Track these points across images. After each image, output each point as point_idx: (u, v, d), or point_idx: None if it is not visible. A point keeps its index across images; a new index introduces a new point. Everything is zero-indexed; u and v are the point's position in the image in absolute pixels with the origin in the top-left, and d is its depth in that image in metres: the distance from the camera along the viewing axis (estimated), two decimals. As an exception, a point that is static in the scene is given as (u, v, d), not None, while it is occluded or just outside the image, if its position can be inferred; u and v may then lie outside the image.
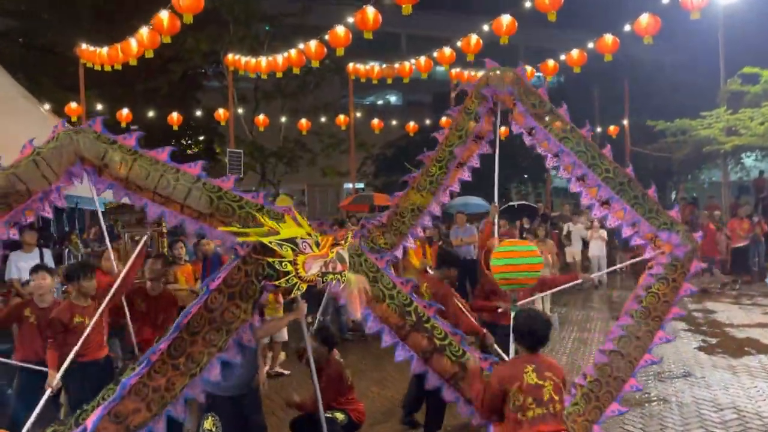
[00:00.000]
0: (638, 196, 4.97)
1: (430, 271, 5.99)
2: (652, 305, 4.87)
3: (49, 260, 7.23)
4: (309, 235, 3.95)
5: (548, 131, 5.13)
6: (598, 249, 13.88)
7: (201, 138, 24.99)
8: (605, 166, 5.03)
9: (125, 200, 4.28)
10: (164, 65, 21.28)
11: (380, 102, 41.46)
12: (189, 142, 25.20)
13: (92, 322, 4.58)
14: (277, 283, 3.89)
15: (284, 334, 8.04)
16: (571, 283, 6.15)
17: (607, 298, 12.99)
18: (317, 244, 3.95)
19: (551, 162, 5.22)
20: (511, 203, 19.33)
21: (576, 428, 4.61)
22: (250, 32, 21.13)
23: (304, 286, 3.93)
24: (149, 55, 9.52)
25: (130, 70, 20.17)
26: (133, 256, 4.93)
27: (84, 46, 12.42)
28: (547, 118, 5.13)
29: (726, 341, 9.02)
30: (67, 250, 10.47)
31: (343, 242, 4.09)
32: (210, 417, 4.15)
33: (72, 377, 4.49)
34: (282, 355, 8.37)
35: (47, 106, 13.71)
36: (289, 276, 3.87)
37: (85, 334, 4.50)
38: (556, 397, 3.55)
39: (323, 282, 3.99)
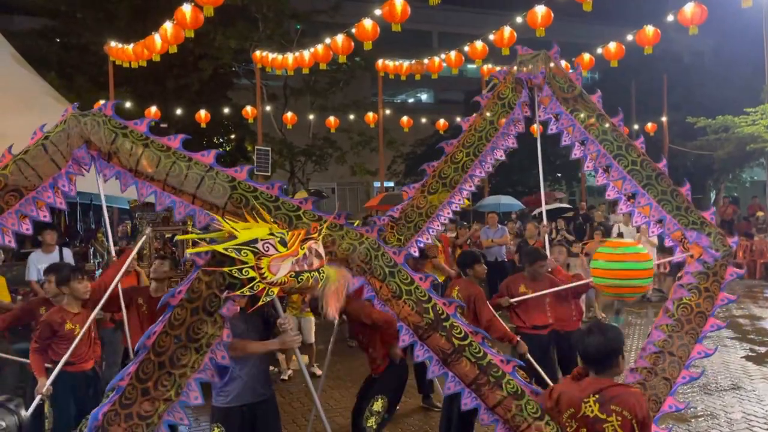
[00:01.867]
0: (666, 191, 4.60)
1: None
2: (684, 317, 4.50)
3: (69, 260, 7.08)
4: (272, 234, 3.59)
5: (574, 117, 4.80)
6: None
7: (232, 136, 25.01)
8: (632, 157, 4.68)
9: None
10: (195, 63, 21.33)
11: (411, 100, 41.16)
12: (221, 140, 25.27)
13: (82, 331, 4.41)
14: (241, 292, 3.54)
15: (311, 335, 7.86)
16: (580, 283, 5.79)
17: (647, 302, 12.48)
18: (283, 243, 3.59)
19: (578, 152, 4.87)
20: (545, 207, 18.80)
21: None
22: (279, 30, 20.97)
23: (276, 290, 3.58)
24: (173, 50, 9.38)
25: (161, 67, 20.51)
26: (129, 258, 4.70)
27: (113, 43, 12.36)
28: (574, 103, 4.80)
29: (775, 351, 8.49)
30: (92, 248, 10.40)
31: (316, 235, 3.74)
32: (216, 428, 3.88)
33: (59, 387, 4.28)
34: (305, 358, 8.18)
35: (76, 104, 13.70)
36: (255, 282, 3.51)
37: (75, 342, 4.31)
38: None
39: (298, 283, 3.62)
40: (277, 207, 3.95)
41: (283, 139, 21.80)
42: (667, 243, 4.76)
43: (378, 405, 4.79)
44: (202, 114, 15.95)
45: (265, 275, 3.51)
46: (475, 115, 5.09)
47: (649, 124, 20.63)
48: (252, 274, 3.49)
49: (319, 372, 7.87)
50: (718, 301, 4.55)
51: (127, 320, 5.01)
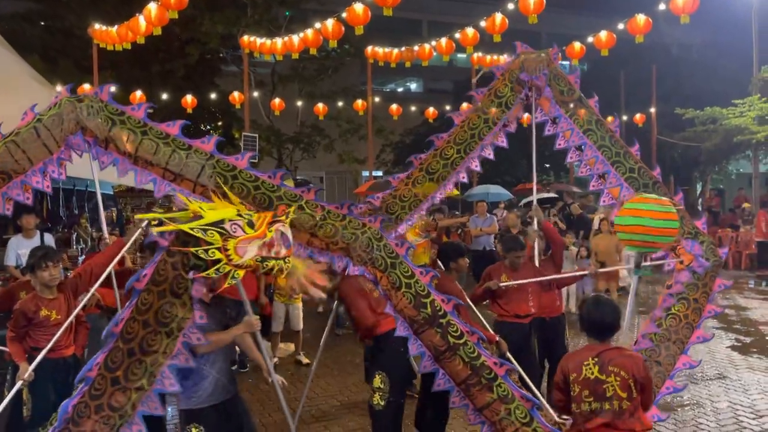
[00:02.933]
0: None
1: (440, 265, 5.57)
2: (672, 328, 4.50)
3: (50, 245, 6.92)
4: (240, 215, 3.48)
5: (573, 121, 4.79)
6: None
7: (219, 123, 24.79)
8: (630, 165, 4.69)
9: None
10: (181, 48, 21.08)
11: (400, 89, 41.03)
12: (207, 127, 25.04)
13: (69, 319, 4.31)
14: (206, 273, 3.39)
15: (299, 323, 7.80)
16: (576, 274, 5.74)
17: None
18: (251, 224, 3.47)
19: (573, 156, 4.86)
20: (531, 198, 18.82)
21: None
22: (267, 15, 20.74)
23: (241, 273, 3.45)
24: (157, 32, 9.21)
25: (146, 52, 20.31)
26: (123, 250, 4.58)
27: (97, 26, 12.13)
28: (573, 107, 4.78)
29: (761, 341, 8.53)
30: (75, 234, 10.23)
31: (284, 218, 3.63)
32: (194, 428, 3.70)
33: (37, 373, 4.16)
34: (291, 346, 8.12)
35: (59, 88, 13.47)
36: (220, 264, 3.37)
37: (61, 330, 4.20)
38: (623, 395, 3.15)
39: (264, 268, 3.51)
40: (279, 197, 3.86)
41: (271, 126, 21.63)
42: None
43: (377, 381, 4.71)
44: (189, 99, 15.69)
45: (232, 257, 3.38)
46: (467, 109, 5.01)
47: (638, 115, 20.66)
48: (218, 255, 3.36)
49: (305, 360, 7.82)
50: (705, 313, 4.56)
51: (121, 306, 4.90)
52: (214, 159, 3.78)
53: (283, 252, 3.55)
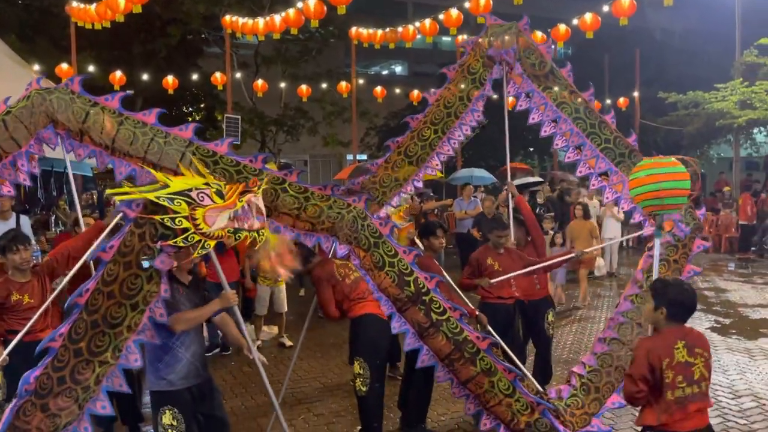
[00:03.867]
0: None
1: (418, 242, 5.55)
2: None
3: (26, 227, 6.80)
4: (207, 184, 3.44)
5: (546, 95, 4.73)
6: (612, 230, 12.14)
7: (202, 105, 24.44)
8: (605, 135, 4.66)
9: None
10: (162, 28, 20.70)
11: (385, 72, 40.77)
12: (190, 109, 24.67)
13: (46, 304, 4.23)
14: (174, 242, 3.35)
15: (284, 305, 7.77)
16: (561, 259, 5.75)
17: (615, 277, 12.59)
18: (220, 194, 3.44)
19: (548, 129, 4.82)
20: (519, 181, 18.83)
21: (575, 421, 4.31)
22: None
23: (212, 243, 3.42)
24: (137, 10, 9.02)
25: (128, 31, 19.92)
26: (103, 235, 4.49)
27: (75, 3, 11.84)
28: (546, 81, 4.73)
29: (740, 322, 8.64)
30: (54, 216, 10.08)
31: (255, 189, 3.59)
32: (168, 410, 3.65)
33: (12, 357, 4.09)
34: (274, 329, 8.10)
35: (37, 67, 13.20)
36: (189, 233, 3.33)
37: (37, 315, 4.12)
38: (706, 374, 3.16)
39: (236, 240, 3.48)
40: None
41: (254, 108, 21.36)
42: (636, 218, 4.74)
43: (357, 367, 4.74)
44: (170, 80, 15.44)
45: (200, 226, 3.35)
46: (442, 89, 4.94)
47: (621, 99, 20.71)
48: (186, 224, 3.32)
49: (289, 343, 7.80)
50: (684, 274, 4.58)
51: None
52: (194, 146, 3.73)
53: (256, 225, 3.53)
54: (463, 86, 4.85)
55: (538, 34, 11.88)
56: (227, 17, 13.56)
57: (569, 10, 15.49)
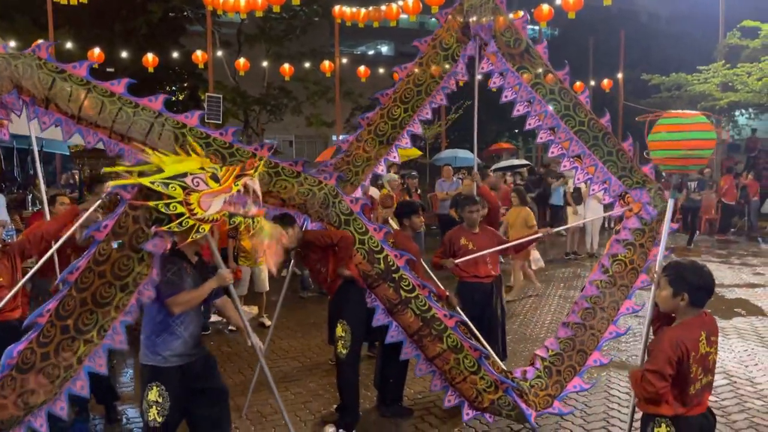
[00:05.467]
0: (612, 152, 4.56)
1: (392, 223, 5.54)
2: (618, 274, 4.53)
3: (1, 206, 6.72)
4: (203, 169, 3.43)
5: (520, 75, 4.64)
6: (594, 211, 11.68)
7: (185, 84, 24.15)
8: (579, 118, 4.58)
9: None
10: (144, 5, 20.37)
11: (371, 52, 40.53)
12: (173, 88, 24.36)
13: (20, 283, 4.21)
14: (169, 227, 3.35)
15: (266, 284, 7.76)
16: (531, 238, 5.77)
17: (596, 258, 12.70)
18: (215, 178, 3.43)
19: (521, 109, 4.75)
20: (499, 165, 18.87)
21: (537, 402, 4.37)
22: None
23: (207, 228, 3.41)
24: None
25: (108, 8, 19.56)
26: (80, 221, 4.45)
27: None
28: (521, 60, 4.63)
29: (715, 302, 8.75)
30: (30, 195, 9.95)
31: (252, 172, 3.57)
32: (155, 387, 3.65)
33: None
34: (255, 308, 8.09)
35: (13, 44, 12.94)
36: (183, 218, 3.32)
37: (10, 295, 4.10)
38: (716, 357, 3.06)
39: (231, 224, 3.49)
40: (232, 154, 3.82)
41: (237, 87, 21.16)
42: (606, 199, 4.74)
43: (339, 330, 4.71)
44: (150, 58, 15.22)
45: (195, 211, 3.33)
46: (412, 63, 4.88)
47: (605, 81, 20.74)
48: (180, 209, 3.31)
49: (268, 322, 7.79)
50: (650, 257, 4.55)
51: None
52: (163, 117, 3.70)
53: (252, 210, 3.53)
54: (435, 64, 4.79)
55: (521, 13, 11.85)
56: (206, -7, 13.35)
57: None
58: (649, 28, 28.02)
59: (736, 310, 8.30)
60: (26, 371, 3.33)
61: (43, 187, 4.90)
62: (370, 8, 13.34)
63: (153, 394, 3.64)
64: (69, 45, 15.60)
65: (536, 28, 11.97)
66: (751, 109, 21.56)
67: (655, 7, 27.73)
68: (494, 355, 4.72)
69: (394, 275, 4.10)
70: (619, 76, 21.99)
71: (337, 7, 14.43)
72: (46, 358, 3.36)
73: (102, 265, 3.40)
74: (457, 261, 5.37)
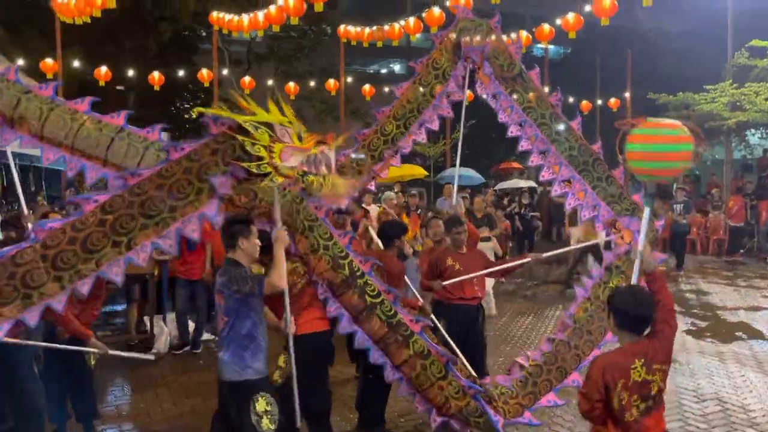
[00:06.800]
0: (602, 177, 4.56)
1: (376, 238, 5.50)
2: (601, 300, 4.47)
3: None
4: (291, 123, 3.64)
5: (513, 98, 4.65)
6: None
7: (199, 102, 24.42)
8: (570, 143, 4.58)
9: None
10: (154, 24, 20.67)
11: (384, 71, 40.73)
12: (186, 106, 24.62)
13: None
14: (248, 165, 3.51)
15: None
16: (518, 262, 5.69)
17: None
18: (300, 137, 3.65)
19: (514, 131, 4.75)
20: (505, 185, 18.79)
21: (507, 409, 4.33)
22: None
23: (280, 180, 3.57)
24: (111, 5, 8.98)
25: (119, 27, 19.83)
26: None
27: (59, -1, 11.78)
28: (513, 83, 4.64)
29: (717, 325, 8.60)
30: (32, 211, 9.99)
31: (330, 143, 3.78)
32: (260, 397, 3.61)
33: None
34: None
35: (21, 62, 13.16)
36: (263, 162, 3.51)
37: None
38: (663, 386, 2.96)
39: (302, 182, 3.65)
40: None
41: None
42: (599, 227, 4.73)
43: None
44: (156, 77, 15.39)
45: (275, 159, 3.54)
46: (408, 82, 4.89)
47: (612, 100, 20.66)
48: (263, 153, 3.51)
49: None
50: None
51: None
52: (125, 132, 3.77)
53: (325, 171, 3.74)
54: (426, 82, 4.79)
55: (523, 33, 11.88)
56: (214, 14, 13.55)
57: (553, 8, 15.44)
58: (658, 46, 27.91)
59: (737, 333, 8.12)
60: (48, 248, 3.37)
61: (24, 205, 4.97)
62: (374, 28, 13.45)
63: (261, 405, 3.61)
64: (76, 63, 15.78)
65: (521, 48, 11.85)
66: (762, 129, 21.35)
67: (663, 26, 27.64)
68: (464, 361, 4.63)
69: (359, 281, 4.06)
70: (627, 95, 21.89)
71: (342, 27, 14.59)
72: (72, 242, 3.40)
73: (163, 179, 3.52)
74: (445, 283, 5.30)
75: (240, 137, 3.48)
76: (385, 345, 4.09)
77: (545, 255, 5.78)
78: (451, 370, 4.19)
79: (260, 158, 3.50)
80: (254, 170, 3.51)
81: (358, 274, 4.06)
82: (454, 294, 5.44)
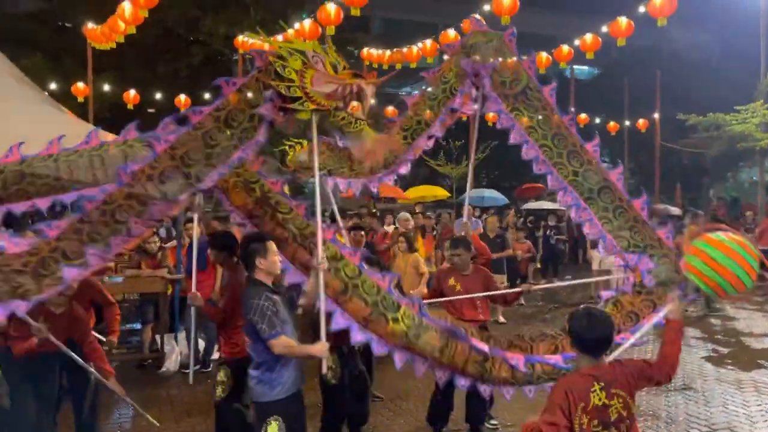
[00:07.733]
0: (609, 208, 4.19)
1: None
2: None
3: None
4: (326, 52, 3.65)
5: (514, 117, 4.35)
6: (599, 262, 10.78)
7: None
8: (573, 167, 4.23)
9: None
10: (187, 49, 21.21)
11: (416, 93, 40.68)
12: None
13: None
14: (277, 85, 3.54)
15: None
16: (514, 291, 5.58)
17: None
18: (335, 68, 3.63)
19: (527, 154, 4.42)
20: (531, 205, 18.61)
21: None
22: (269, 15, 20.76)
23: (311, 106, 3.58)
24: (131, 31, 9.25)
25: (152, 52, 20.38)
26: None
27: (90, 25, 12.21)
28: (515, 101, 4.34)
29: (738, 352, 8.31)
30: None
31: (368, 79, 3.73)
32: (274, 421, 3.61)
33: None
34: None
35: (53, 86, 13.61)
36: (293, 85, 3.54)
37: None
38: (625, 414, 2.87)
39: (334, 117, 3.64)
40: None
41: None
42: (617, 262, 4.48)
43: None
44: (182, 99, 15.77)
45: (306, 84, 3.54)
46: (419, 93, 4.83)
47: (641, 121, 20.35)
48: (293, 76, 3.54)
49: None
50: (643, 321, 4.12)
51: None
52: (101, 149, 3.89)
53: (359, 112, 3.70)
54: (434, 96, 4.73)
55: (543, 55, 11.82)
56: (240, 38, 13.84)
57: (575, 27, 15.36)
58: (689, 66, 27.48)
59: (759, 361, 7.83)
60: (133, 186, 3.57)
61: None
62: (394, 50, 13.58)
63: (272, 429, 3.61)
64: (106, 87, 16.24)
65: (534, 63, 11.75)
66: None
67: (694, 47, 27.22)
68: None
69: (337, 264, 4.00)
70: (656, 116, 21.55)
71: (365, 50, 14.78)
72: (149, 178, 3.60)
73: (220, 111, 3.66)
74: (444, 300, 5.25)
75: (271, 58, 3.57)
76: (366, 323, 4.03)
77: (537, 286, 5.63)
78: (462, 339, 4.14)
79: (290, 81, 3.53)
80: (283, 92, 3.55)
81: (338, 257, 4.05)
82: (452, 315, 5.37)
